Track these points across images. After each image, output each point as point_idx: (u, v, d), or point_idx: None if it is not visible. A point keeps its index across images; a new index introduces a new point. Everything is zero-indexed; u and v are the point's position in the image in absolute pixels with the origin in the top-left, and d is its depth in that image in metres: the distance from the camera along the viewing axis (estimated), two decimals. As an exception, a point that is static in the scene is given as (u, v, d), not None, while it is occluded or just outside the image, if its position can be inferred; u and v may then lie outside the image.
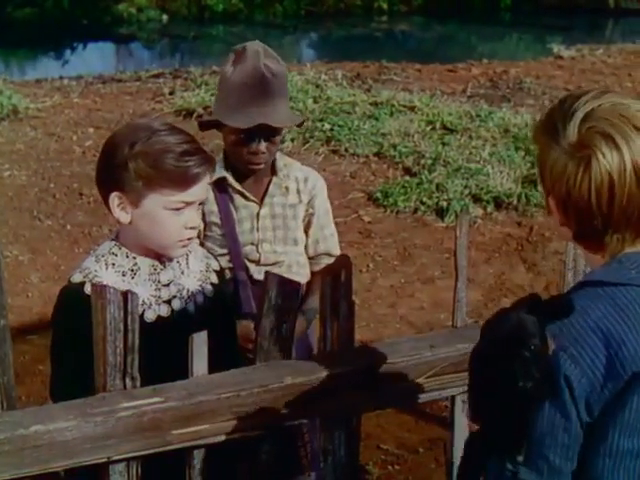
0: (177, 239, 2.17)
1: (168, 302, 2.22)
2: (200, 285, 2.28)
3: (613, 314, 1.59)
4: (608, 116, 1.61)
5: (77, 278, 2.17)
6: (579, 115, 1.62)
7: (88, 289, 2.11)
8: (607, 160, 1.58)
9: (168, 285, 2.22)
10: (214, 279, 2.32)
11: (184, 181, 2.12)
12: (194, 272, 2.29)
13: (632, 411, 1.57)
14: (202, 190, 2.17)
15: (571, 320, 1.58)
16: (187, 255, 2.29)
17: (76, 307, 2.10)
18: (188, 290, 2.25)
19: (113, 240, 2.24)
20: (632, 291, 1.62)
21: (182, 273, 2.26)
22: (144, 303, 2.16)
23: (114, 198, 2.16)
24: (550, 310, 1.59)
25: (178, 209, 2.14)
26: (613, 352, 1.56)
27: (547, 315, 1.59)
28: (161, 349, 2.07)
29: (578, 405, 1.56)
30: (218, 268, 2.37)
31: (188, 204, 2.15)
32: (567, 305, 1.59)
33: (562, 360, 1.56)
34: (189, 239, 2.20)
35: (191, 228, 2.18)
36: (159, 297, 2.21)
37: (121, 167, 2.13)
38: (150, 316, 2.18)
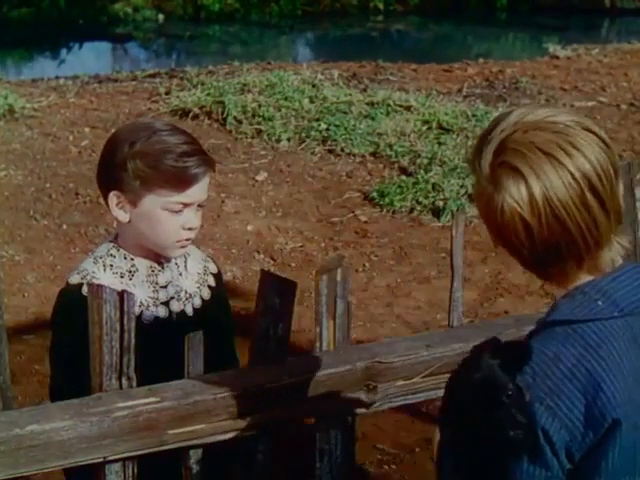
0: (175, 239, 2.17)
1: (166, 304, 2.22)
2: (198, 287, 2.28)
3: (587, 357, 1.52)
4: (520, 147, 1.52)
5: (75, 279, 2.17)
6: (490, 149, 1.55)
7: (86, 290, 2.11)
8: (514, 195, 1.51)
9: (166, 287, 2.22)
10: (211, 282, 2.32)
11: (182, 182, 2.11)
12: (192, 274, 2.29)
13: (615, 458, 1.51)
14: (201, 191, 2.16)
15: (544, 369, 1.52)
16: (185, 257, 2.29)
17: (74, 308, 2.10)
18: (186, 292, 2.26)
19: (111, 242, 2.24)
20: (601, 326, 1.54)
21: (180, 275, 2.26)
22: (142, 304, 2.16)
23: (112, 197, 2.16)
24: (515, 356, 1.53)
25: (176, 210, 2.14)
26: (591, 399, 1.50)
27: (512, 361, 1.52)
28: (158, 350, 2.07)
29: (559, 456, 1.51)
30: (216, 271, 2.36)
31: (186, 205, 2.14)
32: (533, 352, 1.53)
33: (539, 412, 1.50)
34: (187, 240, 2.19)
35: (189, 229, 2.17)
36: (157, 299, 2.21)
37: (120, 166, 2.13)
38: (147, 317, 2.18)
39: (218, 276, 2.36)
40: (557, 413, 1.50)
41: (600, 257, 1.58)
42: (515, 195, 1.51)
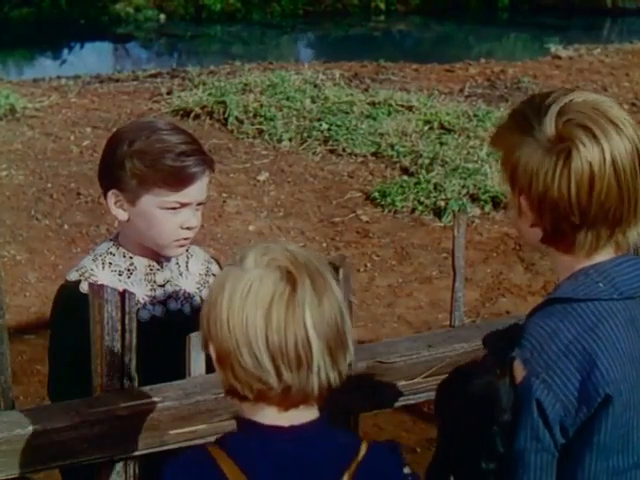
0: (173, 239, 2.16)
1: (163, 303, 2.22)
2: (198, 288, 2.28)
3: (583, 335, 1.57)
4: (584, 110, 1.59)
5: (73, 276, 2.18)
6: (554, 109, 1.59)
7: (84, 288, 2.12)
8: (588, 152, 1.56)
9: (164, 286, 2.22)
10: None
11: (179, 181, 2.11)
12: (193, 275, 2.29)
13: (607, 434, 1.55)
14: (199, 191, 2.15)
15: (541, 344, 1.56)
16: (188, 258, 2.29)
17: (71, 305, 2.11)
18: (185, 292, 2.25)
19: (112, 240, 2.24)
20: (600, 307, 1.59)
21: (180, 275, 2.26)
22: (138, 303, 2.16)
23: (111, 196, 2.16)
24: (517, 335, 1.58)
25: (174, 209, 2.13)
26: (585, 375, 1.54)
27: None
28: (154, 349, 2.06)
29: (553, 429, 1.54)
30: (218, 272, 2.35)
31: (184, 205, 2.14)
32: (532, 326, 1.58)
33: (535, 386, 1.54)
34: (186, 239, 2.19)
35: (187, 228, 2.17)
36: (154, 297, 2.21)
37: (119, 165, 2.13)
38: (144, 316, 2.18)
39: None
40: (552, 387, 1.54)
41: (626, 233, 1.63)
42: (589, 148, 1.56)
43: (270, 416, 1.50)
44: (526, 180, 1.61)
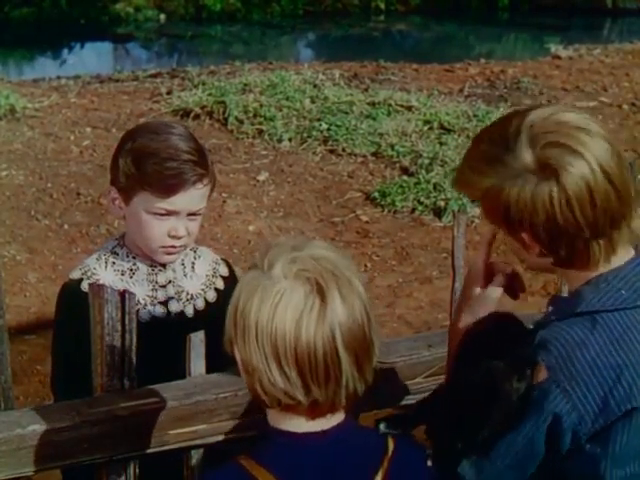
0: (159, 245, 2.13)
1: (164, 303, 2.22)
2: (202, 289, 2.26)
3: (609, 347, 1.56)
4: (550, 128, 1.55)
5: (76, 275, 2.18)
6: (523, 138, 1.55)
7: (85, 286, 2.12)
8: (576, 168, 1.53)
9: (165, 286, 2.22)
10: (220, 285, 2.29)
11: (163, 188, 2.07)
12: (199, 276, 2.26)
13: (624, 443, 1.55)
14: (189, 201, 2.10)
15: (569, 354, 1.55)
16: (195, 259, 2.27)
17: (73, 303, 2.12)
18: (188, 293, 2.24)
19: (117, 240, 2.24)
20: (625, 316, 1.59)
21: (185, 276, 2.24)
22: (139, 303, 2.15)
23: (110, 191, 2.16)
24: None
25: (161, 215, 2.10)
26: (608, 390, 1.54)
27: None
28: (154, 350, 2.06)
29: (564, 436, 1.54)
30: (227, 274, 2.32)
31: (171, 212, 2.10)
32: (561, 333, 1.57)
33: (554, 393, 1.54)
34: (173, 247, 2.15)
35: (174, 237, 2.12)
36: (155, 297, 2.20)
37: (117, 162, 2.13)
38: (144, 316, 2.18)
39: (229, 279, 2.30)
40: (572, 397, 1.53)
41: (631, 225, 1.63)
42: (578, 167, 1.54)
43: (300, 425, 1.50)
44: (524, 216, 1.57)
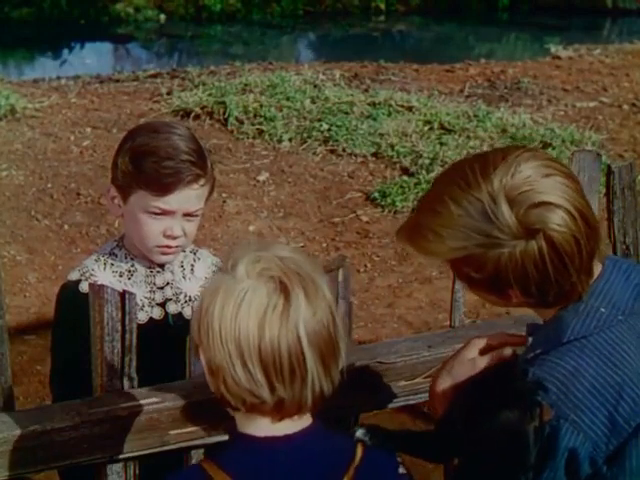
0: (154, 244, 2.13)
1: (162, 305, 2.21)
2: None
3: (604, 368, 1.57)
4: (523, 186, 1.54)
5: (74, 276, 2.18)
6: (501, 202, 1.54)
7: (84, 287, 2.11)
8: (559, 221, 1.54)
9: (163, 288, 2.22)
10: None
11: (158, 186, 2.07)
12: (198, 278, 2.26)
13: (638, 459, 1.56)
14: (184, 201, 2.10)
15: (567, 385, 1.56)
16: (194, 261, 2.27)
17: (72, 304, 2.12)
18: (186, 295, 2.24)
19: (116, 241, 2.24)
20: (610, 334, 1.60)
21: (183, 278, 2.24)
22: (136, 304, 2.15)
23: (109, 190, 2.17)
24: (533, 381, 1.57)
25: (156, 214, 2.10)
26: (612, 409, 1.55)
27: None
28: (151, 351, 2.05)
29: (582, 466, 1.54)
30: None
31: (166, 212, 2.10)
32: (552, 367, 1.57)
33: (564, 429, 1.54)
34: (169, 247, 2.14)
35: (170, 237, 2.12)
36: (152, 299, 2.20)
37: (116, 160, 2.13)
38: (142, 317, 2.18)
39: None
40: (581, 427, 1.54)
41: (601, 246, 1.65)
42: (561, 220, 1.54)
43: (264, 427, 1.49)
44: (516, 276, 1.57)
